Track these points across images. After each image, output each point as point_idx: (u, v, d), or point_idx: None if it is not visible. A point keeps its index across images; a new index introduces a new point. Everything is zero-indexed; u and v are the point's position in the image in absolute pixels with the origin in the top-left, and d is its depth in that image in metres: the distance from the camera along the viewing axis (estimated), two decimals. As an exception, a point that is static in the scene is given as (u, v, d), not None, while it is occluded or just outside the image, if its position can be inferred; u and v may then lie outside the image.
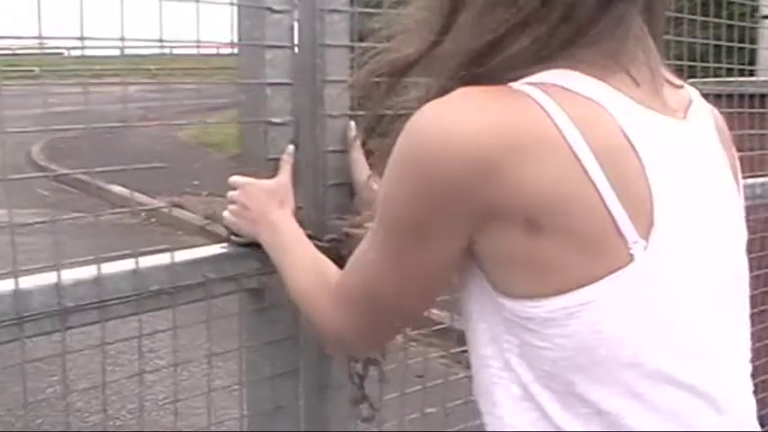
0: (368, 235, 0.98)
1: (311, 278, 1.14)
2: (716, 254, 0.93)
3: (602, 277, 0.84)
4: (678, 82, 1.01)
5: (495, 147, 0.83)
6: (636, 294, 0.85)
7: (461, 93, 0.87)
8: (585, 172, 0.83)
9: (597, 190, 0.83)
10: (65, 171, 9.04)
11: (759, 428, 0.99)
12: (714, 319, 0.93)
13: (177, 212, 7.51)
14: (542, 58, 0.89)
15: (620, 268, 0.84)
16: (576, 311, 0.84)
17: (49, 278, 1.17)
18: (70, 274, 1.19)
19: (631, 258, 0.84)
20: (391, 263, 0.94)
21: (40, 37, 1.15)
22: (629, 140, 0.86)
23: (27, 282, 1.16)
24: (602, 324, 0.85)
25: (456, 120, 0.85)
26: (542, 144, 0.83)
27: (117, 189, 7.56)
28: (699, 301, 0.90)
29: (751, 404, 0.99)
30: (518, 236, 0.85)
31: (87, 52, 1.30)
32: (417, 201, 0.88)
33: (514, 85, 0.87)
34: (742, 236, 1.02)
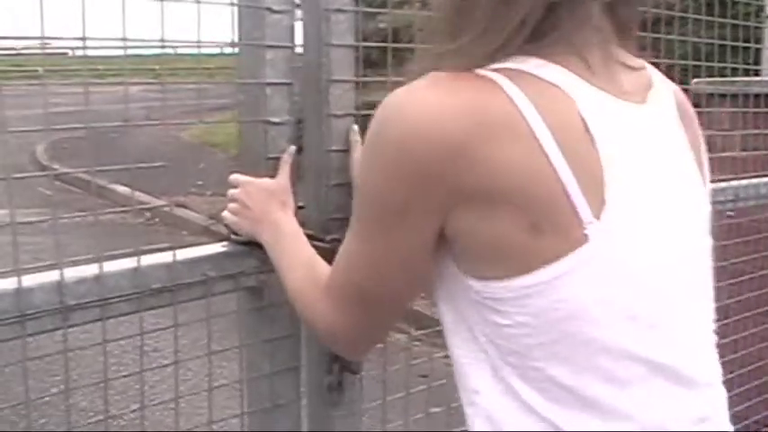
0: (349, 226, 1.00)
1: (303, 276, 1.15)
2: (672, 232, 0.96)
3: (559, 258, 0.87)
4: (638, 64, 1.03)
5: (462, 127, 0.86)
6: (592, 273, 0.88)
7: (430, 78, 0.91)
8: (545, 154, 0.86)
9: (555, 171, 0.86)
10: (66, 170, 9.06)
11: (726, 403, 1.03)
12: (674, 294, 0.96)
13: (181, 212, 7.53)
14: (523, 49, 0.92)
15: (576, 248, 0.87)
16: (535, 291, 0.88)
17: (51, 276, 1.17)
18: (72, 273, 1.19)
19: (586, 238, 0.87)
20: (371, 249, 0.96)
21: (42, 37, 1.15)
22: (585, 123, 0.89)
23: (29, 280, 1.16)
24: (559, 302, 0.88)
25: (425, 102, 0.88)
26: (506, 126, 0.86)
27: (120, 189, 7.57)
28: (656, 278, 0.93)
29: (717, 378, 1.02)
30: (485, 216, 0.88)
31: (91, 52, 1.29)
32: (391, 182, 0.90)
33: (480, 71, 0.91)
34: (703, 215, 1.04)
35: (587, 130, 0.89)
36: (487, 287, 0.91)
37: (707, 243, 1.03)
